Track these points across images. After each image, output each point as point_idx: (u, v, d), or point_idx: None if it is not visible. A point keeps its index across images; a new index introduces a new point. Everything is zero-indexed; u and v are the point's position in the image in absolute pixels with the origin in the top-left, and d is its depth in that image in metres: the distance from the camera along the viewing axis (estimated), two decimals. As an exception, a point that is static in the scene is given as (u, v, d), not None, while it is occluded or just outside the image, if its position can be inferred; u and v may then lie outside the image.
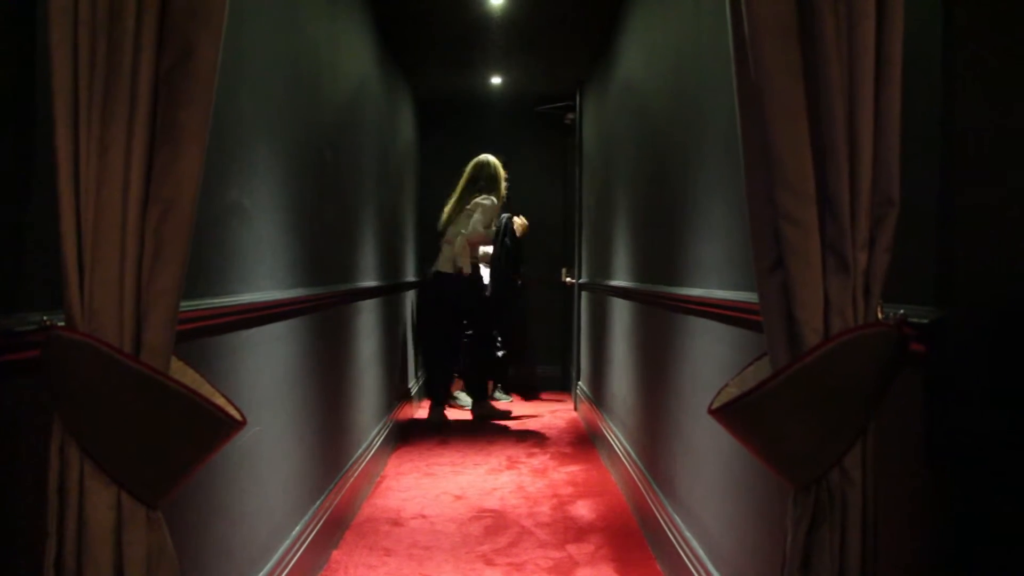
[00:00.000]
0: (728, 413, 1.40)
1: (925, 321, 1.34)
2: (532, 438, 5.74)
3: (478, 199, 6.23)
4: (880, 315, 1.37)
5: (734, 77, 1.48)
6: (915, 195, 1.41)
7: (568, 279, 6.94)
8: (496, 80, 6.79)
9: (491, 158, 6.34)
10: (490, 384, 6.79)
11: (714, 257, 2.68)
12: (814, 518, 1.37)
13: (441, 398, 6.37)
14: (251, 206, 2.47)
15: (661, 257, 3.59)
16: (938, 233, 1.38)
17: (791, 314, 1.36)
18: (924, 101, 1.41)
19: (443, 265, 6.33)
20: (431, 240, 7.42)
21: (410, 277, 6.74)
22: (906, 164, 1.37)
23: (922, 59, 1.41)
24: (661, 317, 3.51)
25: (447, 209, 6.40)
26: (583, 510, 4.09)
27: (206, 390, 1.43)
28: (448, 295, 6.32)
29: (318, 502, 3.28)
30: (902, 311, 1.37)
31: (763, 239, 1.43)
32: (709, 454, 2.68)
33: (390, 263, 5.61)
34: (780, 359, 1.38)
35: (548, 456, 5.20)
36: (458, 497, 4.30)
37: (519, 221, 6.77)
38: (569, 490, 4.44)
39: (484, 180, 6.26)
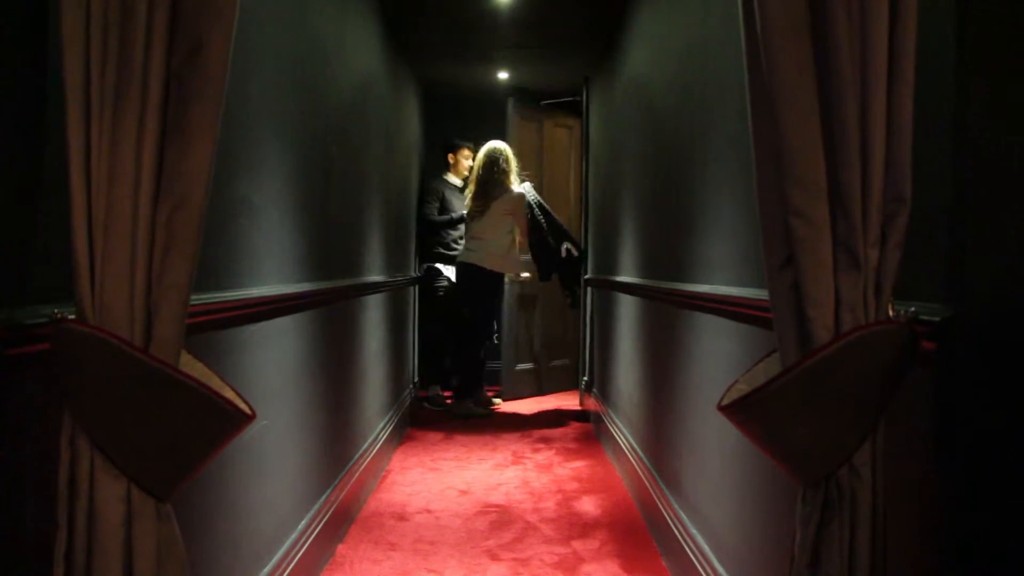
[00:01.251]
0: (737, 410, 1.39)
1: (936, 319, 1.34)
2: (537, 434, 5.74)
3: (509, 195, 6.21)
4: (891, 312, 1.37)
5: (746, 73, 1.48)
6: (926, 192, 1.40)
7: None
8: (503, 75, 6.78)
9: (498, 147, 6.30)
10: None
11: (722, 253, 2.67)
12: (823, 515, 1.37)
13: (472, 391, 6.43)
14: (259, 201, 2.47)
15: (668, 253, 3.59)
16: (949, 230, 1.37)
17: (802, 311, 1.36)
18: (936, 98, 1.41)
19: (485, 261, 6.25)
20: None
21: (415, 272, 6.75)
22: (917, 161, 1.37)
23: (934, 56, 1.41)
24: (668, 313, 3.51)
25: (469, 203, 6.38)
26: (588, 506, 4.09)
27: (215, 383, 1.43)
28: (478, 289, 6.33)
29: (324, 496, 3.29)
30: (913, 308, 1.36)
31: (774, 236, 1.42)
32: (715, 451, 2.68)
33: (396, 258, 5.62)
34: (790, 356, 1.38)
35: (553, 452, 5.20)
36: (463, 492, 4.30)
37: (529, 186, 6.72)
38: (574, 486, 4.44)
39: (499, 171, 6.23)
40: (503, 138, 6.66)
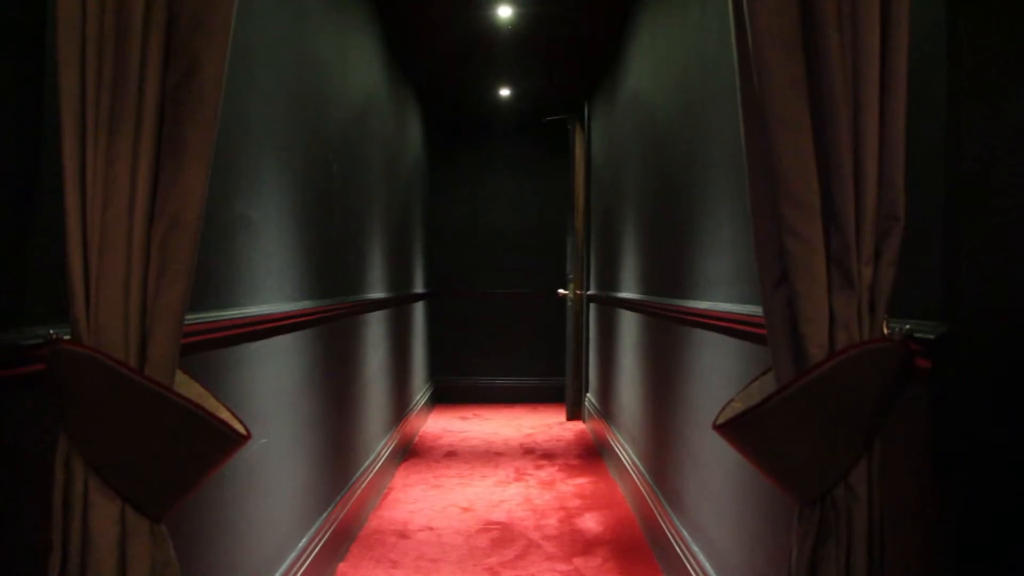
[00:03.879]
0: (732, 429, 1.39)
1: (931, 337, 1.33)
2: (540, 450, 5.72)
3: None
4: (886, 330, 1.37)
5: (738, 90, 1.48)
6: (920, 209, 1.40)
7: (561, 291, 7.06)
8: (504, 92, 6.81)
9: None
10: None
11: (721, 270, 2.67)
12: (819, 534, 1.36)
13: None
14: (258, 218, 2.48)
15: (669, 269, 3.59)
16: (944, 248, 1.37)
17: (796, 329, 1.36)
18: (928, 114, 1.41)
19: None
20: (441, 250, 7.44)
21: (419, 288, 6.75)
22: (910, 177, 1.37)
23: (926, 73, 1.41)
24: (668, 329, 3.51)
25: None
26: (590, 523, 4.07)
27: (210, 403, 1.43)
28: None
29: (324, 514, 3.28)
30: (908, 326, 1.36)
31: (768, 253, 1.42)
32: (717, 468, 2.67)
33: (399, 275, 5.62)
34: (785, 374, 1.37)
35: (556, 468, 5.19)
36: (465, 509, 4.29)
37: None
38: (576, 503, 4.43)
39: None
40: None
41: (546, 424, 6.75)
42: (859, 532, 1.34)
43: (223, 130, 1.39)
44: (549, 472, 5.09)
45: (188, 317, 1.46)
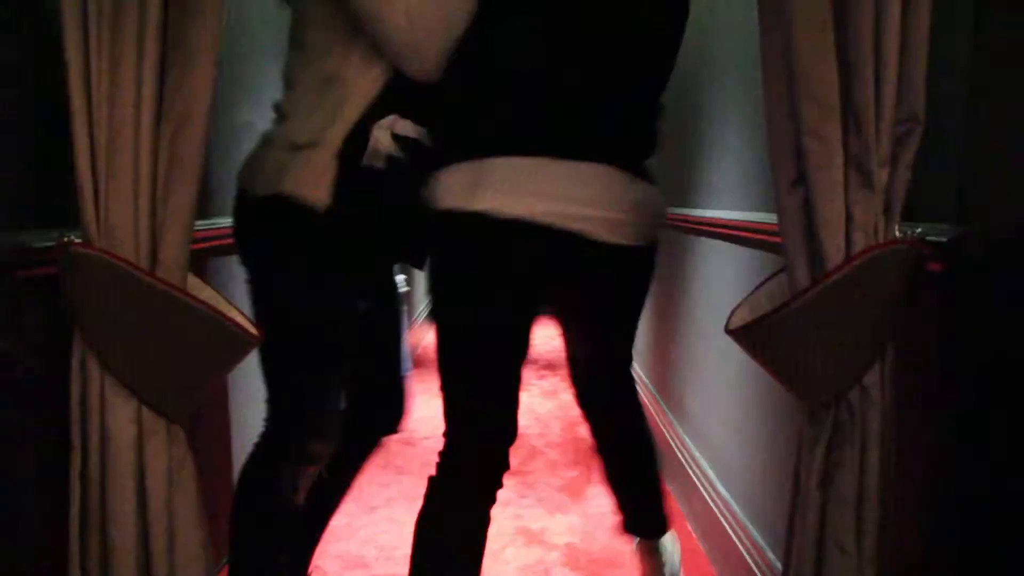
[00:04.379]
0: (747, 333, 1.39)
1: (943, 240, 1.33)
2: (542, 360, 5.78)
3: None
4: (899, 233, 1.36)
5: None
6: (939, 114, 1.38)
7: None
8: None
9: None
10: None
11: (727, 177, 2.65)
12: (833, 437, 1.38)
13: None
14: (264, 125, 2.44)
15: (674, 178, 3.56)
16: (960, 152, 1.35)
17: (812, 231, 1.35)
18: (953, 19, 1.37)
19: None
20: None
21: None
22: (930, 82, 1.34)
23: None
24: (673, 239, 3.50)
25: None
26: (593, 431, 4.14)
27: (223, 306, 1.43)
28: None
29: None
30: (919, 229, 1.35)
31: (784, 155, 1.40)
32: (719, 376, 2.70)
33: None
34: (800, 277, 1.37)
35: (559, 378, 5.25)
36: (469, 418, 4.35)
37: None
38: (579, 411, 4.48)
39: None
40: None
41: (548, 335, 6.80)
42: (873, 434, 1.35)
43: (228, 37, 1.35)
44: (552, 382, 5.16)
45: (195, 223, 1.44)
